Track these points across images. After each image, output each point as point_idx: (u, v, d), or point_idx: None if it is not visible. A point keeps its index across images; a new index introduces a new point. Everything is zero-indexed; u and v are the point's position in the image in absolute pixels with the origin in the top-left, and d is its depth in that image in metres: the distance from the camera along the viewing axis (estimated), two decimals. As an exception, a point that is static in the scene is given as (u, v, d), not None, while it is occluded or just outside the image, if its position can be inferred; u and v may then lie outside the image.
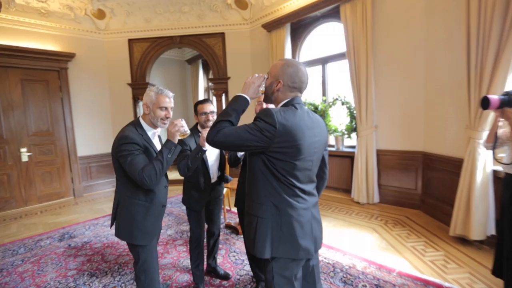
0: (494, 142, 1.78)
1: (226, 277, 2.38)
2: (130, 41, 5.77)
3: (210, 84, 7.59)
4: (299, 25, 4.97)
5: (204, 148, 1.86)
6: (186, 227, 3.63)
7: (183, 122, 1.66)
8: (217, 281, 2.36)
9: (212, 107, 2.15)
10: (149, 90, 1.72)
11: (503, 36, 2.29)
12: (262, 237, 1.16)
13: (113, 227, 1.73)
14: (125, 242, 3.18)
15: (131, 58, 5.81)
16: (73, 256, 2.92)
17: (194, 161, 1.86)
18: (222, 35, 5.80)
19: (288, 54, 5.00)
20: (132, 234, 1.61)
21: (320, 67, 4.99)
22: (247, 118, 1.78)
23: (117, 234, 1.65)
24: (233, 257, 2.76)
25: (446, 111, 3.17)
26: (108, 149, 5.80)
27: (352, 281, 2.23)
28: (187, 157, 1.89)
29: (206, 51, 5.87)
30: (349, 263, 2.50)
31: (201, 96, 7.60)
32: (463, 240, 2.76)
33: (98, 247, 3.12)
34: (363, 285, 2.18)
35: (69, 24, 5.19)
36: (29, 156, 4.78)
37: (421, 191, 3.68)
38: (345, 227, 3.32)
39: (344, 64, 4.48)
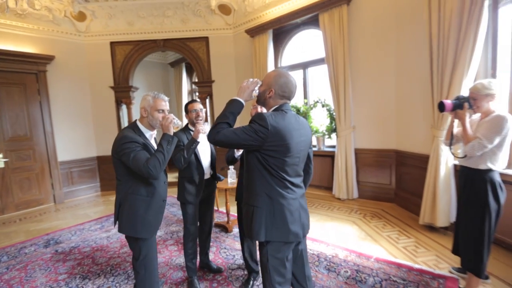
0: (450, 140, 2.07)
1: (218, 271, 2.51)
2: (112, 44, 5.71)
3: (194, 87, 7.65)
4: (280, 31, 5.20)
5: (198, 140, 2.09)
6: (175, 227, 3.70)
7: (174, 116, 1.81)
8: (210, 275, 2.48)
9: (200, 105, 2.34)
10: (146, 95, 1.84)
11: (457, 51, 2.63)
12: (258, 223, 1.33)
13: (113, 227, 1.81)
14: (116, 245, 3.22)
15: (114, 61, 5.75)
16: (61, 261, 2.91)
17: (189, 151, 2.07)
18: (206, 39, 5.91)
19: (270, 59, 5.21)
20: (135, 227, 1.71)
21: (301, 71, 5.25)
22: (243, 119, 1.94)
23: (120, 229, 1.74)
24: (224, 253, 2.89)
25: (414, 113, 3.52)
26: (90, 154, 5.71)
27: (335, 268, 2.45)
28: (182, 150, 2.09)
29: (190, 55, 5.95)
30: (332, 253, 2.72)
31: (184, 99, 7.63)
32: (430, 228, 3.09)
33: (87, 251, 3.11)
34: (345, 271, 2.40)
35: (47, 26, 5.06)
36: (5, 162, 4.60)
37: (395, 186, 4.02)
38: (327, 221, 3.56)
39: (324, 68, 4.77)
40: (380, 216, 3.62)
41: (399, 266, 2.42)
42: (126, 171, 1.71)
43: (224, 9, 5.57)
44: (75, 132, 5.51)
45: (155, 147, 1.88)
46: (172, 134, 1.75)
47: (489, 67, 2.64)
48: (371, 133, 4.18)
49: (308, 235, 3.01)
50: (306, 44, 5.26)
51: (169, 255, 2.92)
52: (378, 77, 3.99)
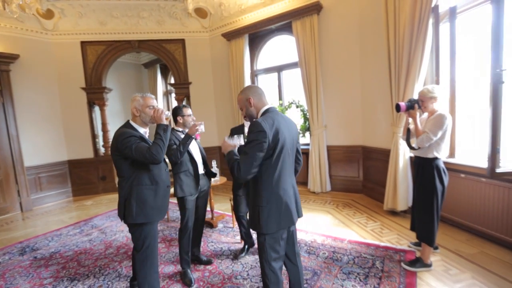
0: (407, 135, 2.47)
1: (209, 262, 2.67)
2: (83, 43, 5.52)
3: (169, 88, 7.60)
4: (256, 35, 5.46)
5: (192, 136, 2.32)
6: (160, 226, 3.75)
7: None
8: (201, 266, 2.63)
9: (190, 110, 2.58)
10: (135, 96, 1.99)
11: (410, 60, 3.09)
12: (264, 220, 1.56)
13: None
14: (101, 247, 3.22)
15: (85, 61, 5.56)
16: (43, 266, 2.84)
17: (185, 146, 2.30)
18: (182, 41, 5.97)
19: (247, 62, 5.45)
20: (147, 213, 1.85)
21: (276, 74, 5.56)
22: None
23: (132, 219, 1.83)
24: (211, 246, 3.05)
25: (377, 112, 3.99)
26: (60, 158, 5.48)
27: (314, 251, 2.75)
28: (177, 146, 2.31)
29: (167, 57, 5.96)
30: (311, 239, 3.02)
31: (160, 100, 7.55)
32: (393, 212, 3.55)
33: (70, 255, 3.07)
34: (323, 253, 2.71)
35: (10, 23, 4.76)
36: (-36, 169, 4.25)
37: (363, 178, 4.48)
38: (305, 212, 3.87)
39: (297, 72, 5.12)
40: (350, 205, 4.03)
41: (368, 245, 2.79)
42: (129, 165, 1.84)
43: (201, 13, 5.69)
44: (43, 136, 5.23)
45: (150, 143, 2.00)
46: (165, 123, 1.90)
47: (434, 74, 3.14)
48: (340, 131, 4.60)
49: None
50: (280, 48, 5.58)
51: (158, 252, 2.99)
52: (345, 80, 4.42)
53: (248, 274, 2.45)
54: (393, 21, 3.27)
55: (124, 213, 1.89)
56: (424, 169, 2.29)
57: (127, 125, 1.96)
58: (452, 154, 3.00)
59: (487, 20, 2.46)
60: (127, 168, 1.85)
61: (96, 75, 5.62)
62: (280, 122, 1.60)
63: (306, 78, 4.66)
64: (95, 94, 5.62)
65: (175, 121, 2.58)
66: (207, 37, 6.04)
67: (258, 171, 1.56)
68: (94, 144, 5.75)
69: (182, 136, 2.45)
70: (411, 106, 2.29)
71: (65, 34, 5.41)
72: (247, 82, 5.49)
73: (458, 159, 2.97)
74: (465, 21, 2.89)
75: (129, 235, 3.41)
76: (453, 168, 2.90)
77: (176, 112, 2.54)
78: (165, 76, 7.60)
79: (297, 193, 1.72)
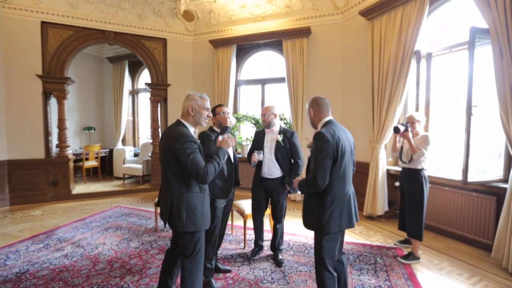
0: (400, 152, 3.01)
1: (227, 270, 2.62)
2: (44, 24, 4.74)
3: (136, 87, 7.02)
4: (242, 47, 5.64)
5: (228, 126, 2.46)
6: (149, 237, 3.43)
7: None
8: (220, 275, 2.56)
9: (226, 108, 2.60)
10: (193, 95, 1.90)
11: (392, 90, 3.76)
12: (326, 222, 1.74)
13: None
14: (85, 263, 2.82)
15: (44, 45, 4.76)
16: (16, 289, 2.29)
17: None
18: (164, 40, 5.70)
19: (233, 72, 5.55)
20: (196, 222, 1.77)
21: (259, 86, 5.81)
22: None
23: (183, 228, 1.73)
24: (219, 254, 2.96)
25: (356, 129, 4.59)
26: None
27: (322, 253, 2.99)
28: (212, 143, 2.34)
29: (145, 54, 5.58)
30: (312, 243, 3.25)
31: (125, 99, 6.87)
32: (370, 217, 4.11)
33: (47, 274, 2.54)
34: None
35: None
36: None
37: (338, 187, 5.01)
38: (294, 219, 4.12)
39: (280, 86, 5.49)
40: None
41: (363, 245, 3.19)
42: (179, 170, 1.74)
43: (187, 15, 5.58)
44: (-23, 128, 4.19)
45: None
46: (227, 150, 1.90)
47: (415, 103, 3.88)
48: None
49: (293, 232, 3.50)
50: (264, 62, 5.89)
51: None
52: (328, 98, 4.95)
53: (272, 278, 2.51)
54: (378, 57, 3.93)
55: (168, 218, 1.79)
56: (414, 178, 2.83)
57: (180, 123, 1.86)
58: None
59: (457, 64, 3.27)
60: (180, 170, 1.74)
61: (58, 63, 4.84)
62: (340, 132, 1.82)
63: (293, 93, 5.04)
64: (54, 84, 4.82)
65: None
66: (190, 40, 5.91)
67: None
68: (47, 142, 4.86)
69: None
70: (406, 129, 2.84)
71: (21, 10, 4.55)
72: (232, 90, 5.57)
73: (432, 172, 3.69)
74: (438, 63, 3.71)
75: (116, 247, 3.10)
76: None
77: (212, 112, 2.50)
78: (133, 74, 6.99)
79: (355, 198, 1.92)
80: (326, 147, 1.69)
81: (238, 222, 3.79)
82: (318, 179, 1.69)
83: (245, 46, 5.60)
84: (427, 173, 2.85)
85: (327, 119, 1.91)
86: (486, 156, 3.40)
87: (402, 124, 2.86)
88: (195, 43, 5.91)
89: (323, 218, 1.74)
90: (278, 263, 2.74)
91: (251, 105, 5.97)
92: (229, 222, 3.80)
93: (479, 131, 2.92)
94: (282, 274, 2.59)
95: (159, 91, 5.72)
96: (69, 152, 5.25)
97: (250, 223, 3.11)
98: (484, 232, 3.00)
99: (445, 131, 3.76)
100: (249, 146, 3.15)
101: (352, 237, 3.45)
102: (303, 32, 4.89)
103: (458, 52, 3.39)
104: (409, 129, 2.83)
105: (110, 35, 5.19)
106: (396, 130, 2.83)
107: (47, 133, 4.86)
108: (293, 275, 2.56)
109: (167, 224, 1.83)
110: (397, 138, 3.03)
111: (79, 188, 5.55)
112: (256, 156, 2.68)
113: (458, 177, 3.07)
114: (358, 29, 4.40)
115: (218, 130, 2.50)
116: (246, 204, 3.24)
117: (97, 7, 4.99)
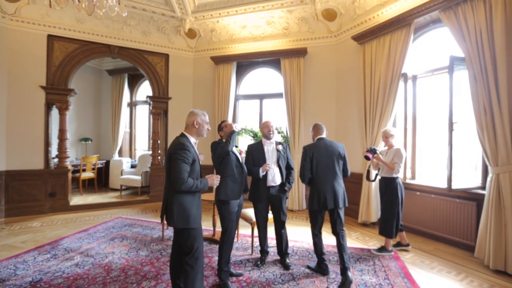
0: (378, 169, 3.38)
1: (240, 274, 2.77)
2: (51, 37, 4.85)
3: (134, 100, 7.14)
4: (242, 64, 5.97)
5: (235, 130, 2.66)
6: (157, 246, 3.51)
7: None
8: (233, 278, 2.70)
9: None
10: (197, 112, 2.23)
11: (383, 107, 4.16)
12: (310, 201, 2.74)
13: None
14: (99, 271, 2.89)
15: (49, 58, 4.85)
16: (36, 296, 2.33)
17: (231, 138, 2.62)
18: (166, 56, 5.93)
19: (233, 87, 5.85)
20: (188, 220, 2.01)
21: (258, 101, 6.11)
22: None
23: (174, 223, 2.01)
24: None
25: (350, 142, 4.95)
26: None
27: (325, 258, 3.20)
28: (224, 142, 2.66)
29: (147, 68, 5.77)
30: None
31: (124, 111, 6.94)
32: (364, 224, 4.39)
33: (62, 282, 2.58)
34: (332, 257, 3.20)
35: (-41, -3, 3.87)
36: None
37: (333, 197, 5.30)
38: (295, 227, 4.33)
39: (277, 101, 5.82)
40: (328, 220, 4.70)
41: (361, 249, 3.45)
42: None
43: (190, 33, 5.87)
44: (-22, 138, 4.16)
45: (196, 150, 2.19)
46: (208, 187, 2.14)
47: (403, 118, 4.29)
48: (316, 156, 5.40)
49: (295, 239, 3.72)
50: (262, 79, 6.23)
51: (177, 269, 2.87)
52: (323, 113, 5.33)
53: (282, 280, 2.69)
54: (369, 77, 4.36)
55: (166, 215, 2.06)
56: (391, 185, 3.23)
57: (183, 135, 2.16)
58: (413, 177, 4.11)
59: (439, 84, 3.73)
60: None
61: (62, 75, 4.93)
62: (320, 145, 2.79)
63: (290, 108, 5.38)
64: (57, 96, 4.88)
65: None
66: (191, 56, 6.18)
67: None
68: (47, 153, 4.85)
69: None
70: (374, 152, 3.23)
71: (28, 23, 4.67)
72: (231, 105, 5.84)
73: (420, 181, 4.07)
74: (423, 84, 4.18)
75: (126, 256, 3.20)
76: (415, 188, 3.95)
77: (219, 128, 2.80)
78: (131, 87, 7.11)
79: (335, 190, 2.70)
80: (304, 155, 2.80)
81: (241, 230, 3.94)
82: (302, 174, 2.80)
83: (244, 63, 5.93)
84: (416, 182, 3.22)
85: (319, 136, 2.90)
86: (467, 166, 3.82)
87: (371, 149, 3.26)
88: (196, 59, 6.19)
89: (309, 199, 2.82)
90: (286, 267, 2.93)
91: (249, 119, 6.24)
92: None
93: (460, 144, 3.32)
94: (291, 276, 2.78)
95: (160, 103, 5.88)
96: (67, 163, 5.23)
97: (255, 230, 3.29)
98: (467, 234, 3.35)
99: (430, 144, 4.18)
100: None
101: (351, 242, 3.70)
102: (300, 52, 5.30)
103: (439, 75, 3.86)
104: (377, 151, 3.25)
105: (115, 49, 5.36)
106: (367, 158, 3.27)
107: (47, 144, 4.86)
108: (301, 277, 2.75)
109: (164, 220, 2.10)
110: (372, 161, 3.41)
111: (76, 200, 5.49)
112: (271, 167, 2.93)
113: (443, 185, 3.44)
114: (351, 51, 4.86)
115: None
116: (252, 213, 3.43)
117: (103, 22, 5.18)
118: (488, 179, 2.95)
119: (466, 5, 3.10)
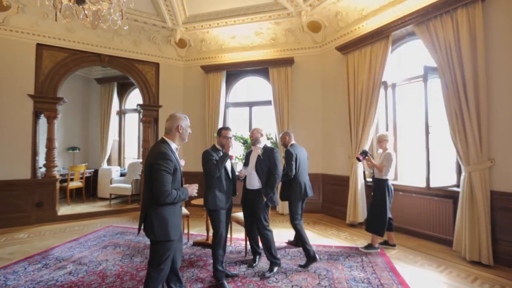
0: (372, 170, 3.60)
1: (235, 275, 2.85)
2: (40, 46, 4.85)
3: (123, 108, 7.13)
4: (231, 73, 6.15)
5: (229, 154, 2.68)
6: (151, 252, 3.53)
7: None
8: (229, 279, 2.78)
9: (231, 133, 2.91)
10: (179, 115, 2.10)
11: (366, 113, 4.43)
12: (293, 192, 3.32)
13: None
14: (94, 278, 2.89)
15: (38, 66, 4.83)
16: (31, 304, 2.31)
17: (222, 162, 2.65)
18: (156, 65, 6.02)
19: (223, 95, 6.00)
20: (167, 232, 1.93)
21: (247, 108, 6.28)
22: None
23: (154, 237, 1.93)
24: (224, 262, 3.18)
25: (335, 148, 5.19)
26: None
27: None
28: (215, 163, 2.64)
29: (138, 76, 5.83)
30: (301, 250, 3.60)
31: (113, 119, 6.91)
32: (352, 225, 4.59)
33: (58, 289, 2.57)
34: (323, 256, 3.34)
35: None
36: None
37: (322, 200, 5.49)
38: (285, 230, 4.45)
39: (265, 109, 6.01)
40: (319, 223, 4.87)
41: (350, 248, 3.62)
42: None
43: (180, 42, 6.02)
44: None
45: (177, 157, 2.07)
46: (188, 196, 2.08)
47: (385, 123, 4.57)
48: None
49: (286, 241, 3.79)
50: (251, 87, 6.43)
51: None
52: (310, 120, 5.56)
53: (276, 279, 2.80)
54: (353, 85, 4.65)
55: (145, 228, 1.96)
56: (380, 186, 3.43)
57: (164, 141, 2.03)
58: (395, 178, 4.36)
59: (416, 91, 4.05)
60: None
61: (51, 83, 4.91)
62: (297, 148, 3.48)
63: (279, 115, 5.58)
64: (46, 104, 4.85)
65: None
66: (181, 65, 6.31)
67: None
68: (34, 162, 4.77)
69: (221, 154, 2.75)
70: (366, 154, 3.47)
71: (17, 32, 4.66)
72: (221, 112, 5.97)
73: (401, 181, 4.31)
74: (402, 91, 4.49)
75: (120, 263, 3.22)
76: (397, 189, 4.19)
77: (218, 133, 2.88)
78: (121, 95, 7.11)
79: (309, 183, 3.55)
80: (291, 157, 3.30)
81: (234, 234, 4.03)
82: (289, 171, 3.31)
83: (234, 72, 6.11)
84: (398, 182, 3.45)
85: (292, 142, 3.56)
86: (444, 166, 4.12)
87: (364, 152, 3.50)
88: (187, 68, 6.31)
89: (291, 190, 3.34)
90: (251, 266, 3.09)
91: (239, 126, 6.38)
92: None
93: (438, 146, 3.60)
94: (284, 275, 2.89)
95: (150, 111, 5.93)
96: (55, 172, 5.15)
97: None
98: (446, 229, 3.60)
99: (410, 146, 4.47)
100: (238, 164, 3.56)
101: (340, 242, 3.87)
102: (287, 62, 5.55)
103: (416, 83, 4.18)
104: (368, 154, 3.47)
105: (105, 58, 5.40)
106: (359, 160, 3.54)
107: (34, 153, 4.78)
108: (294, 275, 2.87)
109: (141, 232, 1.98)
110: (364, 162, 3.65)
111: (63, 210, 5.37)
112: (243, 171, 3.04)
113: (423, 184, 3.70)
114: (335, 61, 5.15)
115: (220, 149, 2.80)
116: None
117: (93, 32, 5.23)
118: (462, 177, 3.23)
119: (436, 20, 3.44)
